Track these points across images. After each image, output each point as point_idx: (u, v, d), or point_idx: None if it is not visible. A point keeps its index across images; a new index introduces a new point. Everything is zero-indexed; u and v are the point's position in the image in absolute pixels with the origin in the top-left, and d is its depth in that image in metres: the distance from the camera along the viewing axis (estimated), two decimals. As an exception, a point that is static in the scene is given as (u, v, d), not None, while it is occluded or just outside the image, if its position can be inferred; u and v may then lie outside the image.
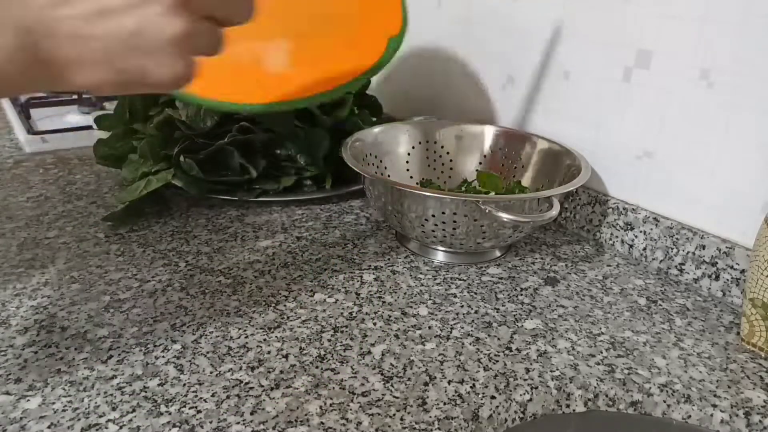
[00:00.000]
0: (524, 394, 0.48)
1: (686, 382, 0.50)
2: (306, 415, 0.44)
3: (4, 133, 1.07)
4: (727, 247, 0.61)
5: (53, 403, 0.44)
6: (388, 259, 0.68)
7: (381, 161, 0.78)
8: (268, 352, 0.51)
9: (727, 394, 0.49)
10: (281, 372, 0.49)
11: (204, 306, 0.57)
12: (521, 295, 0.62)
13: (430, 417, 0.45)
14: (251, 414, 0.44)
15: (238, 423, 0.43)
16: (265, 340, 0.53)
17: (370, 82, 0.98)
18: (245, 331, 0.54)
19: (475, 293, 0.62)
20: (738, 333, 0.57)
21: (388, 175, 0.79)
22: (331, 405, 0.45)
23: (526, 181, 0.77)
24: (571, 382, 0.49)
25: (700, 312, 0.61)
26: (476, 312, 0.58)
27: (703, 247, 0.63)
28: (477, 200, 0.59)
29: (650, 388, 0.49)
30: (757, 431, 0.47)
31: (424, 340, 0.53)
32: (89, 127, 0.87)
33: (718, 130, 0.61)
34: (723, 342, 0.56)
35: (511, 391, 0.48)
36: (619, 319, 0.59)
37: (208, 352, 0.51)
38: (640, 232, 0.69)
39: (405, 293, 0.61)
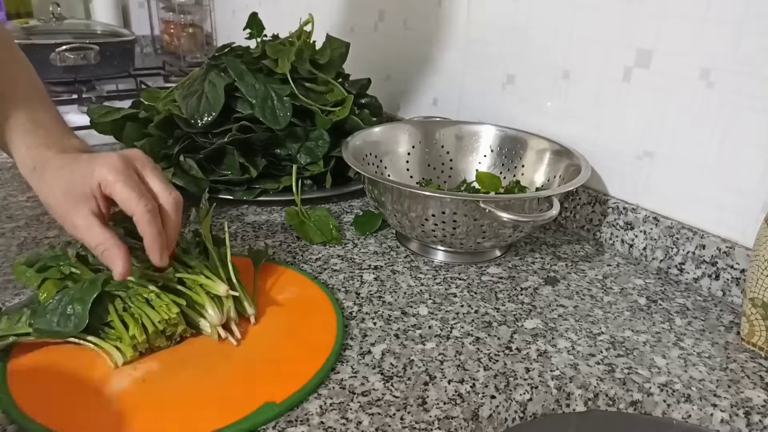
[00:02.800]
0: (524, 393, 0.48)
1: (686, 381, 0.50)
2: (306, 414, 0.44)
3: (4, 132, 1.07)
4: (727, 247, 0.61)
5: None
6: (388, 258, 0.68)
7: (381, 161, 0.78)
8: (268, 352, 0.51)
9: (727, 394, 0.49)
10: (281, 371, 0.49)
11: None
12: (521, 294, 0.62)
13: (430, 416, 0.45)
14: (251, 413, 0.44)
15: (238, 422, 0.43)
16: (265, 339, 0.53)
17: (371, 82, 0.98)
18: (245, 330, 0.54)
19: (475, 293, 0.62)
20: (738, 332, 0.57)
21: (388, 175, 0.79)
22: (331, 404, 0.45)
23: (525, 181, 0.77)
24: (571, 382, 0.49)
25: (700, 312, 0.61)
26: (476, 311, 0.58)
27: (703, 246, 0.63)
28: (477, 200, 0.59)
29: (650, 387, 0.49)
30: (757, 431, 0.47)
31: (424, 340, 0.53)
32: (89, 127, 0.87)
33: (718, 130, 0.61)
34: (723, 342, 0.56)
35: (511, 390, 0.48)
36: (619, 318, 0.59)
37: (208, 352, 0.51)
38: (640, 231, 0.69)
39: (405, 293, 0.61)
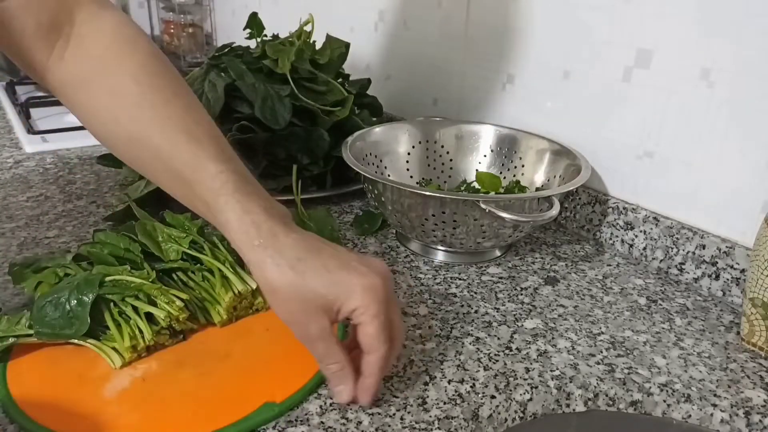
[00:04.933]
0: (524, 393, 0.48)
1: (686, 381, 0.50)
2: (306, 414, 0.44)
3: (4, 132, 1.07)
4: (727, 247, 0.61)
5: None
6: (388, 258, 0.68)
7: (381, 161, 0.78)
8: (268, 352, 0.51)
9: (727, 394, 0.49)
10: (281, 371, 0.49)
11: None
12: (521, 294, 0.62)
13: (430, 416, 0.45)
14: (251, 413, 0.44)
15: (238, 422, 0.43)
16: (265, 339, 0.53)
17: (371, 82, 0.98)
18: (245, 330, 0.54)
19: (475, 293, 0.62)
20: (738, 332, 0.57)
21: (388, 175, 0.79)
22: (331, 404, 0.45)
23: (525, 181, 0.77)
24: (571, 382, 0.49)
25: (700, 311, 0.61)
26: (476, 311, 0.58)
27: (703, 246, 0.63)
28: (477, 200, 0.59)
29: (650, 387, 0.49)
30: (757, 431, 0.47)
31: (424, 340, 0.53)
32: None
33: (718, 130, 0.61)
34: (723, 341, 0.56)
35: (511, 390, 0.48)
36: (619, 318, 0.59)
37: (208, 352, 0.51)
38: (640, 231, 0.69)
39: (405, 293, 0.61)
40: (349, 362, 0.43)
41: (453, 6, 0.92)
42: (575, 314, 0.59)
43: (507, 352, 0.53)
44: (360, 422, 0.44)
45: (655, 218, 0.68)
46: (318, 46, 0.90)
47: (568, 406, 0.49)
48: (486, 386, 0.48)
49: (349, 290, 0.42)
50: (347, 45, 0.92)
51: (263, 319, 0.54)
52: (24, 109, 1.11)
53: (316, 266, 0.42)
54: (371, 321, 0.42)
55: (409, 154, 0.81)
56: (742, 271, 0.60)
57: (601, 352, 0.53)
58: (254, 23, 0.89)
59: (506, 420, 0.47)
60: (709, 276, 0.63)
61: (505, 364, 0.51)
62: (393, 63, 1.09)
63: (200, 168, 0.44)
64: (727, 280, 0.62)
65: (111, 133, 0.49)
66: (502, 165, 0.80)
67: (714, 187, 0.62)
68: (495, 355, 0.52)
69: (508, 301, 0.61)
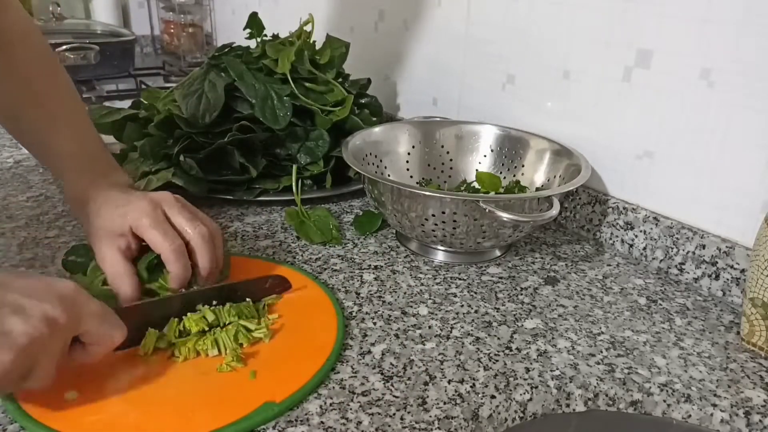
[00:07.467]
0: (524, 393, 0.48)
1: (686, 381, 0.50)
2: (306, 414, 0.44)
3: (4, 132, 1.07)
4: (727, 247, 0.61)
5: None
6: (388, 258, 0.68)
7: (381, 161, 0.78)
8: (268, 352, 0.51)
9: (727, 394, 0.49)
10: (281, 371, 0.49)
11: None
12: (521, 294, 0.62)
13: (430, 416, 0.45)
14: (251, 413, 0.44)
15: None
16: (265, 339, 0.53)
17: (371, 82, 0.98)
18: (245, 330, 0.54)
19: (475, 293, 0.62)
20: (738, 332, 0.57)
21: (388, 175, 0.79)
22: (331, 404, 0.45)
23: (525, 181, 0.77)
24: (571, 382, 0.49)
25: (700, 311, 0.61)
26: (476, 311, 0.58)
27: (703, 246, 0.63)
28: (477, 200, 0.59)
29: (650, 387, 0.49)
30: (757, 431, 0.47)
31: (424, 340, 0.53)
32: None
33: (718, 130, 0.61)
34: (723, 341, 0.56)
35: (511, 390, 0.48)
36: (619, 318, 0.59)
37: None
38: (640, 231, 0.69)
39: (405, 293, 0.61)
40: (129, 274, 0.52)
41: (453, 6, 0.92)
42: (575, 314, 0.59)
43: (507, 352, 0.53)
44: (360, 422, 0.44)
45: (655, 218, 0.68)
46: (318, 46, 0.90)
47: (568, 406, 0.49)
48: (486, 386, 0.48)
49: (124, 216, 0.53)
50: (347, 45, 0.92)
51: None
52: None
53: (107, 209, 0.54)
54: (143, 231, 0.52)
55: (409, 154, 0.81)
56: (742, 271, 0.60)
57: (601, 352, 0.53)
58: (254, 23, 0.89)
59: (506, 420, 0.47)
60: (709, 276, 0.63)
61: (505, 364, 0.51)
62: (393, 63, 1.09)
63: (52, 150, 0.59)
64: (727, 280, 0.62)
65: None
66: (502, 165, 0.80)
67: (714, 187, 0.62)
68: (495, 355, 0.52)
69: (508, 301, 0.61)
